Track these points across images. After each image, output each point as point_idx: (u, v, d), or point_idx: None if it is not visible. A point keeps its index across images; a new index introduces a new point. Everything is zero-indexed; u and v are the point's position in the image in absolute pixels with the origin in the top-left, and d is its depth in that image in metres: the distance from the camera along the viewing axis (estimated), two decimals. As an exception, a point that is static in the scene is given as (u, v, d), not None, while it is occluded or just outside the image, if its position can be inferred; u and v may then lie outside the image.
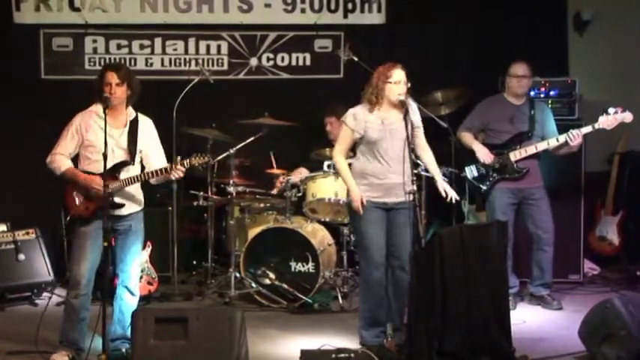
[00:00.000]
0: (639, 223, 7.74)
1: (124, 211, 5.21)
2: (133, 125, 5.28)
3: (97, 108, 5.24)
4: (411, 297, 4.93)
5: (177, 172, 5.18)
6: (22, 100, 7.55)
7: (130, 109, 5.32)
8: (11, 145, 7.42)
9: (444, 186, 5.49)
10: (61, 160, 5.22)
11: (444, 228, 6.41)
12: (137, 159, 5.27)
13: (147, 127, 5.37)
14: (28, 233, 6.95)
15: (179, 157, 5.23)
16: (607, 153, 7.98)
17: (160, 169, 5.20)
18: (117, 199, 5.17)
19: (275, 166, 7.28)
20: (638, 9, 8.21)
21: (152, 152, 5.35)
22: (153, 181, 5.29)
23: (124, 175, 5.18)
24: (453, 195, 5.45)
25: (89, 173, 5.18)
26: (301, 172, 7.15)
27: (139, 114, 5.36)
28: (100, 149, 5.11)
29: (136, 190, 5.31)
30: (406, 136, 5.18)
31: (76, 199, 5.21)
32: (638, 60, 8.19)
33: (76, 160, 5.30)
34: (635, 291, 6.85)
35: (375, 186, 5.35)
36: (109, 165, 5.08)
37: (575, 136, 6.24)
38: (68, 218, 5.22)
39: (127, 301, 5.33)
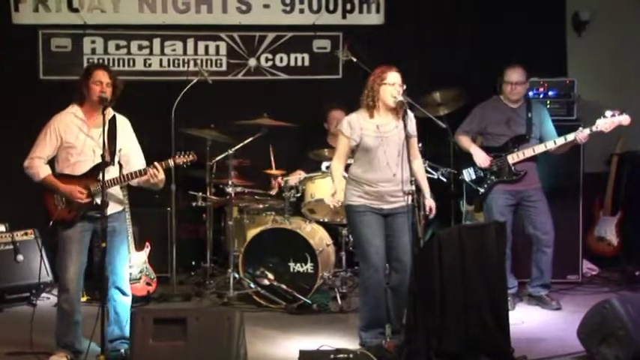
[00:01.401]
0: (638, 223, 7.74)
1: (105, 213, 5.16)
2: (112, 124, 5.23)
3: (76, 109, 5.22)
4: (410, 298, 4.93)
5: (154, 172, 5.13)
6: (21, 101, 7.55)
7: (109, 108, 5.28)
8: (10, 146, 7.40)
9: (430, 203, 5.49)
10: (39, 166, 5.17)
11: (442, 229, 6.42)
12: (116, 158, 5.23)
13: (124, 126, 5.34)
14: (26, 234, 6.94)
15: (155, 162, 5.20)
16: (605, 154, 7.98)
17: (139, 171, 5.17)
18: (98, 201, 5.08)
19: (274, 162, 7.26)
20: (636, 9, 8.22)
21: (131, 151, 5.32)
22: (133, 182, 5.26)
23: (105, 175, 5.13)
24: (432, 213, 5.51)
25: (70, 176, 5.16)
26: (300, 175, 7.15)
27: (116, 113, 5.31)
28: (80, 151, 5.13)
29: (116, 190, 5.27)
30: (404, 137, 5.17)
31: (58, 202, 5.17)
32: (636, 60, 8.19)
33: (51, 160, 5.26)
34: (633, 291, 6.84)
35: (370, 193, 5.36)
36: (90, 167, 5.08)
37: (582, 137, 6.21)
38: (51, 223, 5.16)
39: (120, 302, 5.31)
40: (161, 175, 5.16)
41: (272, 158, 7.26)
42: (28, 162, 5.21)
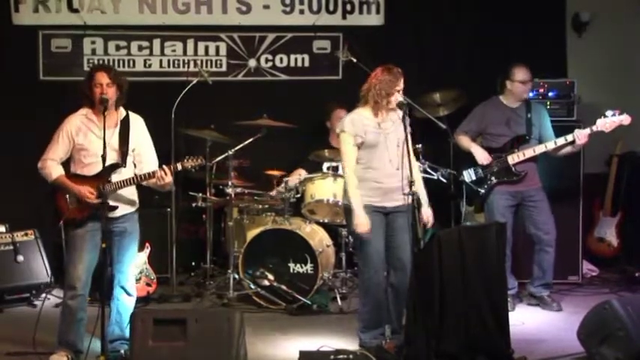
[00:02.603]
0: (638, 224, 7.74)
1: (117, 213, 5.18)
2: (124, 124, 5.25)
3: (87, 111, 5.23)
4: (410, 298, 4.93)
5: (162, 175, 5.12)
6: (21, 102, 7.54)
7: (121, 108, 5.29)
8: (10, 146, 7.41)
9: (428, 213, 5.38)
10: (52, 166, 5.19)
11: (442, 229, 6.41)
12: (129, 159, 5.23)
13: (138, 125, 5.35)
14: (26, 234, 6.94)
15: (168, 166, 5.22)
16: (605, 154, 7.99)
17: (148, 173, 5.17)
18: (110, 202, 5.11)
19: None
20: (636, 10, 8.22)
21: (144, 151, 5.32)
22: (144, 183, 5.26)
23: (116, 177, 5.15)
24: (429, 224, 5.40)
25: (82, 177, 5.17)
26: (300, 174, 7.15)
27: (130, 112, 5.33)
28: (93, 152, 5.12)
29: (129, 191, 5.28)
30: (404, 138, 5.18)
31: (69, 202, 5.19)
32: (636, 61, 8.19)
33: (66, 162, 5.27)
34: (633, 292, 6.85)
35: (373, 190, 5.35)
36: (102, 168, 5.07)
37: (582, 136, 6.23)
38: (62, 222, 5.18)
39: (124, 302, 5.32)
40: (168, 178, 5.16)
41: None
42: (41, 163, 5.23)
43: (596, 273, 7.64)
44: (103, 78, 5.14)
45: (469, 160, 6.57)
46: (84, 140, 5.17)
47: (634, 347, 4.79)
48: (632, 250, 7.65)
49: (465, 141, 6.61)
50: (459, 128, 6.67)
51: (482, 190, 6.50)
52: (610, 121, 6.20)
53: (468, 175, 6.58)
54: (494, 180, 6.47)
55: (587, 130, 6.24)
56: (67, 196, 5.19)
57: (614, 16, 8.22)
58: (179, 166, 5.22)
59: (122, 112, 5.30)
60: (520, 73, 6.50)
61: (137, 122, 5.35)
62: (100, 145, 5.02)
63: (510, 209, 6.46)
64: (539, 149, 6.40)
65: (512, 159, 6.42)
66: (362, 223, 5.25)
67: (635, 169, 7.96)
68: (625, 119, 6.21)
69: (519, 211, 6.51)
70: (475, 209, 6.74)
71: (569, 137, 6.29)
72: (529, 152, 6.40)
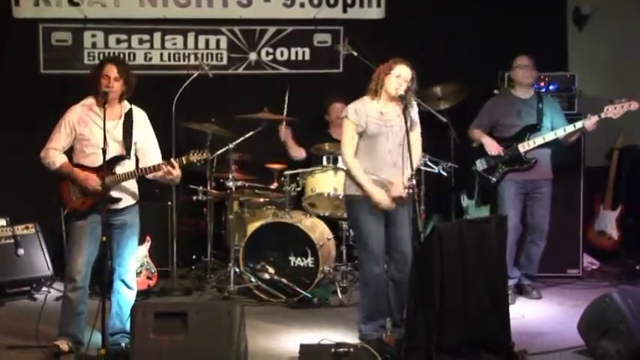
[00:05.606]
0: (638, 217, 7.75)
1: (119, 205, 5.19)
2: (128, 117, 5.25)
3: (91, 102, 5.22)
4: (410, 291, 4.94)
5: (169, 169, 5.12)
6: (21, 95, 7.54)
7: (125, 101, 5.30)
8: (10, 140, 7.40)
9: (405, 185, 5.30)
10: (55, 155, 5.19)
11: (442, 223, 6.41)
12: (132, 151, 5.24)
13: (141, 119, 5.35)
14: (27, 228, 6.93)
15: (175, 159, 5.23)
16: (606, 148, 7.98)
17: (154, 166, 5.18)
18: (113, 194, 5.14)
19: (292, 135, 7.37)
20: (637, 3, 8.20)
21: (147, 144, 5.32)
22: (150, 176, 5.27)
23: (120, 169, 5.16)
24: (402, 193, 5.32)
25: (84, 167, 5.17)
26: (302, 154, 7.19)
27: (134, 106, 5.33)
28: (94, 143, 5.11)
29: (130, 184, 5.28)
30: (405, 131, 5.17)
31: (72, 193, 5.20)
32: (637, 55, 8.18)
33: (69, 152, 5.27)
34: (634, 285, 6.85)
35: (374, 182, 5.34)
36: (102, 159, 5.06)
37: (590, 123, 6.28)
38: (65, 212, 5.19)
39: (124, 295, 5.33)
40: (177, 172, 5.17)
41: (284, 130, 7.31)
42: (44, 152, 5.23)
43: (596, 266, 7.64)
44: (111, 71, 5.13)
45: (481, 152, 6.58)
46: (86, 131, 5.17)
47: (634, 340, 4.80)
48: (633, 244, 7.65)
49: (476, 134, 6.66)
50: (472, 124, 6.71)
51: (494, 179, 6.53)
52: (618, 107, 6.23)
53: (481, 164, 6.61)
54: (505, 168, 6.50)
55: (596, 117, 6.27)
56: (71, 186, 5.19)
57: (615, 9, 8.20)
58: (184, 160, 5.23)
59: (126, 105, 5.30)
60: (519, 59, 6.58)
61: (141, 116, 5.35)
62: (102, 135, 5.02)
63: (520, 197, 6.51)
64: (549, 137, 6.42)
65: (523, 147, 6.46)
66: (381, 199, 5.26)
67: (635, 163, 7.96)
68: (633, 105, 6.23)
69: (525, 200, 6.54)
70: (476, 203, 6.75)
71: (579, 124, 6.33)
72: (539, 140, 6.43)
